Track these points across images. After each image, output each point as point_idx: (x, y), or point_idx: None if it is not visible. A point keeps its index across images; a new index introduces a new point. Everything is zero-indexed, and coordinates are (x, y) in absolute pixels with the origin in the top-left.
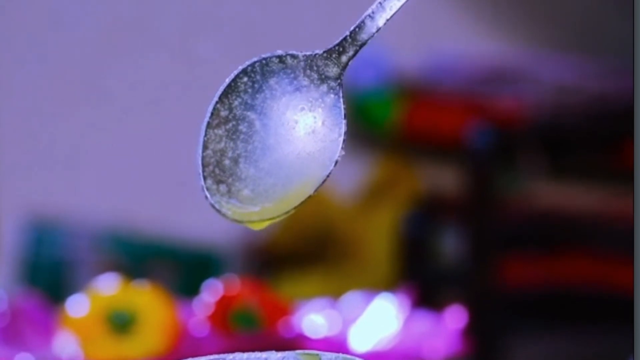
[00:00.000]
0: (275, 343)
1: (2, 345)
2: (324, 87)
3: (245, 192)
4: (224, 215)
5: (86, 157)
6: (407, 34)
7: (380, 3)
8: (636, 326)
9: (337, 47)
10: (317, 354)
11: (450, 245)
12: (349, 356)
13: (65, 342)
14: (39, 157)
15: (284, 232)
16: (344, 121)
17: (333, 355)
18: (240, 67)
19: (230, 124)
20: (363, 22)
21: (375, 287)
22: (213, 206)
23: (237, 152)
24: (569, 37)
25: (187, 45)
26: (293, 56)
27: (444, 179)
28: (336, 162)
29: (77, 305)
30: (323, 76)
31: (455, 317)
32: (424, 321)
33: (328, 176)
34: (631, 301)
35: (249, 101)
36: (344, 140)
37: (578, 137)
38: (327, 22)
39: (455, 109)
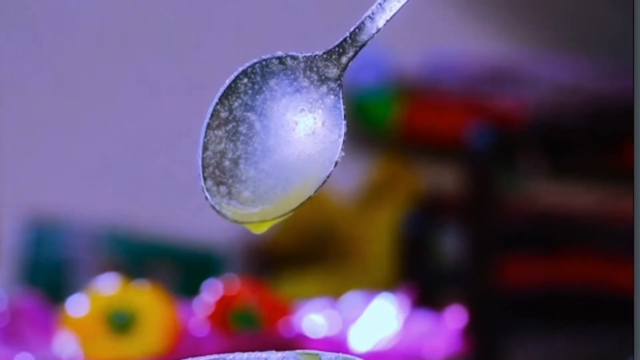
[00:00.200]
0: (275, 343)
1: (2, 345)
2: (324, 88)
3: (246, 193)
4: (224, 216)
5: (86, 157)
6: (407, 34)
7: (380, 4)
8: (636, 326)
9: (337, 48)
10: (317, 354)
11: (450, 245)
12: (349, 356)
13: (65, 342)
14: (39, 157)
15: (284, 232)
16: (344, 122)
17: (333, 355)
18: (240, 69)
19: (230, 125)
20: (363, 23)
21: (375, 287)
22: (213, 207)
23: (237, 153)
24: (569, 37)
25: (187, 46)
26: (293, 57)
27: (444, 179)
28: (336, 163)
29: (77, 305)
30: (323, 77)
31: (455, 317)
32: (424, 321)
33: (328, 177)
34: (631, 301)
35: (249, 102)
36: (344, 141)
37: (578, 137)
38: (327, 23)
39: (455, 109)
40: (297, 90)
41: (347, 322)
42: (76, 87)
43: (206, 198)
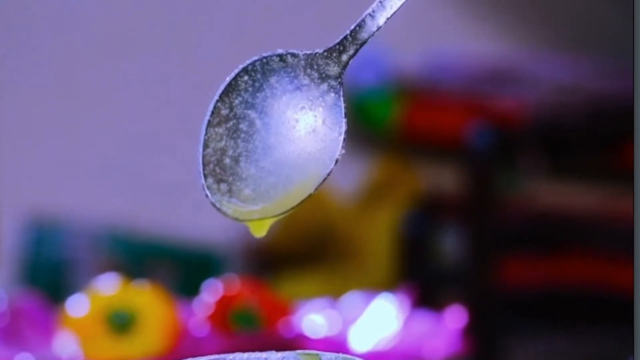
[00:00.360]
0: (275, 343)
1: (2, 345)
2: (325, 86)
3: (246, 191)
4: (224, 214)
5: (86, 157)
6: (407, 34)
7: (380, 2)
8: (636, 326)
9: (337, 46)
10: (317, 354)
11: (450, 245)
12: (349, 356)
13: (65, 342)
14: (39, 157)
15: (284, 232)
16: (344, 120)
17: (333, 355)
18: (241, 66)
19: (231, 123)
20: (363, 20)
21: (375, 287)
22: (214, 205)
23: (238, 151)
24: (569, 37)
25: (187, 44)
26: (293, 55)
27: (444, 179)
28: (336, 161)
29: (77, 305)
30: (323, 75)
31: (455, 317)
32: (424, 321)
33: (329, 175)
34: (631, 301)
35: (249, 100)
36: (344, 139)
37: (578, 137)
38: (327, 21)
39: (455, 109)
40: (298, 88)
41: (347, 322)
42: (76, 87)
43: (207, 196)
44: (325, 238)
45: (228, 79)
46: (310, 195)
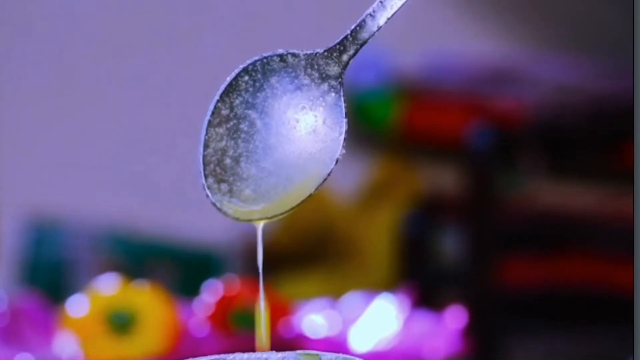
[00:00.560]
0: (275, 343)
1: (2, 345)
2: (325, 86)
3: (247, 191)
4: (224, 214)
5: (86, 157)
6: (407, 34)
7: (381, 2)
8: (636, 326)
9: (338, 46)
10: (317, 354)
11: (450, 245)
12: (349, 356)
13: (65, 342)
14: (39, 157)
15: (284, 232)
16: (344, 120)
17: (333, 355)
18: (242, 66)
19: (232, 123)
20: (364, 20)
21: (375, 287)
22: (214, 205)
23: (239, 151)
24: (569, 37)
25: (188, 44)
26: (294, 55)
27: (444, 179)
28: (337, 161)
29: (77, 305)
30: (324, 75)
31: (455, 317)
32: (424, 321)
33: (329, 175)
34: (631, 301)
35: (250, 100)
36: (344, 139)
37: (578, 137)
38: (327, 21)
39: (455, 109)
40: (298, 88)
41: (347, 322)
42: (76, 87)
43: (207, 196)
44: (325, 238)
45: (228, 79)
46: (310, 196)
